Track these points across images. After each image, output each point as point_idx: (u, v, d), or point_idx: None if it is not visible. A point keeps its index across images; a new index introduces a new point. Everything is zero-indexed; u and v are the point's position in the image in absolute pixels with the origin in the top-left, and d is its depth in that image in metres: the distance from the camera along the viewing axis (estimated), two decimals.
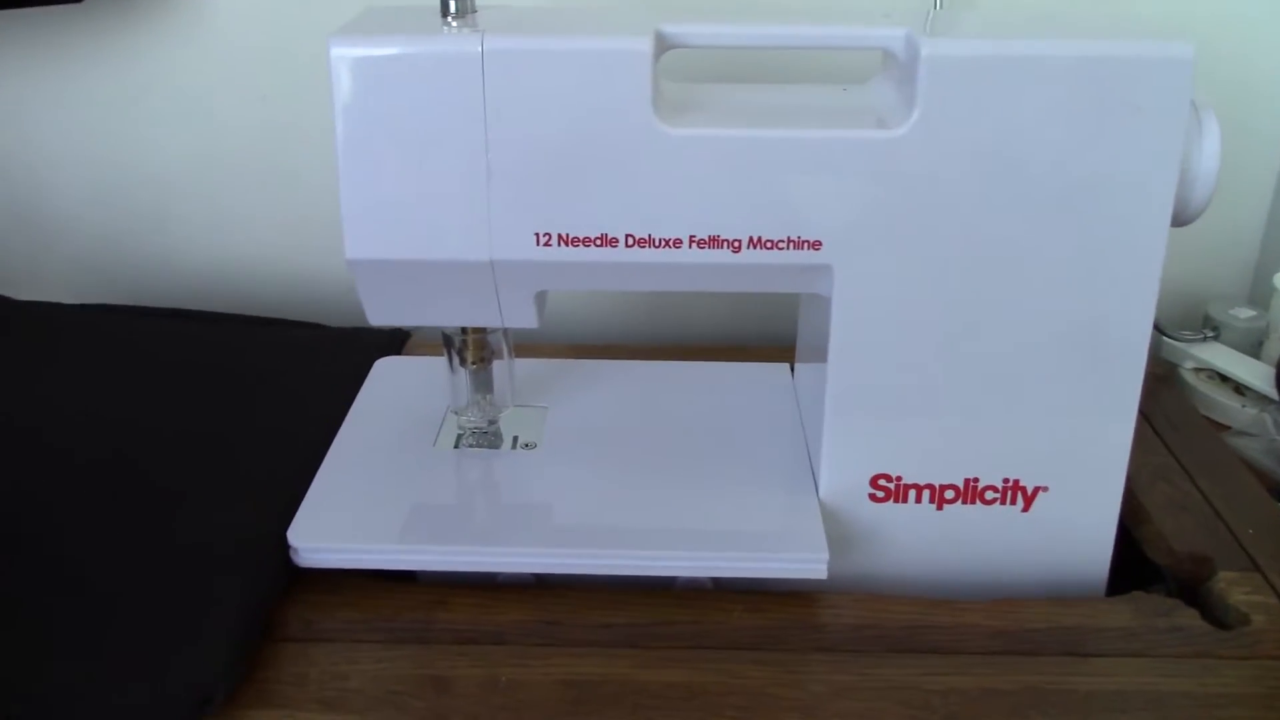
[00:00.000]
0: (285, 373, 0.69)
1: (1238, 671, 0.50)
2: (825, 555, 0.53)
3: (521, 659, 0.50)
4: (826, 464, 0.56)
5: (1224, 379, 0.75)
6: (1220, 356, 0.75)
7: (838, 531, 0.56)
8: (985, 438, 0.55)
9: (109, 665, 0.47)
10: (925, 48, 0.48)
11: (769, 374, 0.70)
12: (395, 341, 0.74)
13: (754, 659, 0.50)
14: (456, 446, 0.61)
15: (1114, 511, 0.57)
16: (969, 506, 0.56)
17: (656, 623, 0.52)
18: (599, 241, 0.51)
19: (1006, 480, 0.56)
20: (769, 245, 0.52)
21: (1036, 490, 0.56)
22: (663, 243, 0.52)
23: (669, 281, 0.55)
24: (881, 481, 0.56)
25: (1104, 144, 0.50)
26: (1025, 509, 0.56)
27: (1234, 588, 0.55)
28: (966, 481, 0.56)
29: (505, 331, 0.60)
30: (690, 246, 0.52)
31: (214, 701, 0.45)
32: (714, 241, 0.52)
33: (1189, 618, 0.53)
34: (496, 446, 0.62)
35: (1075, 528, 0.57)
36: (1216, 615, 0.55)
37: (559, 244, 0.52)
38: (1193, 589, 0.57)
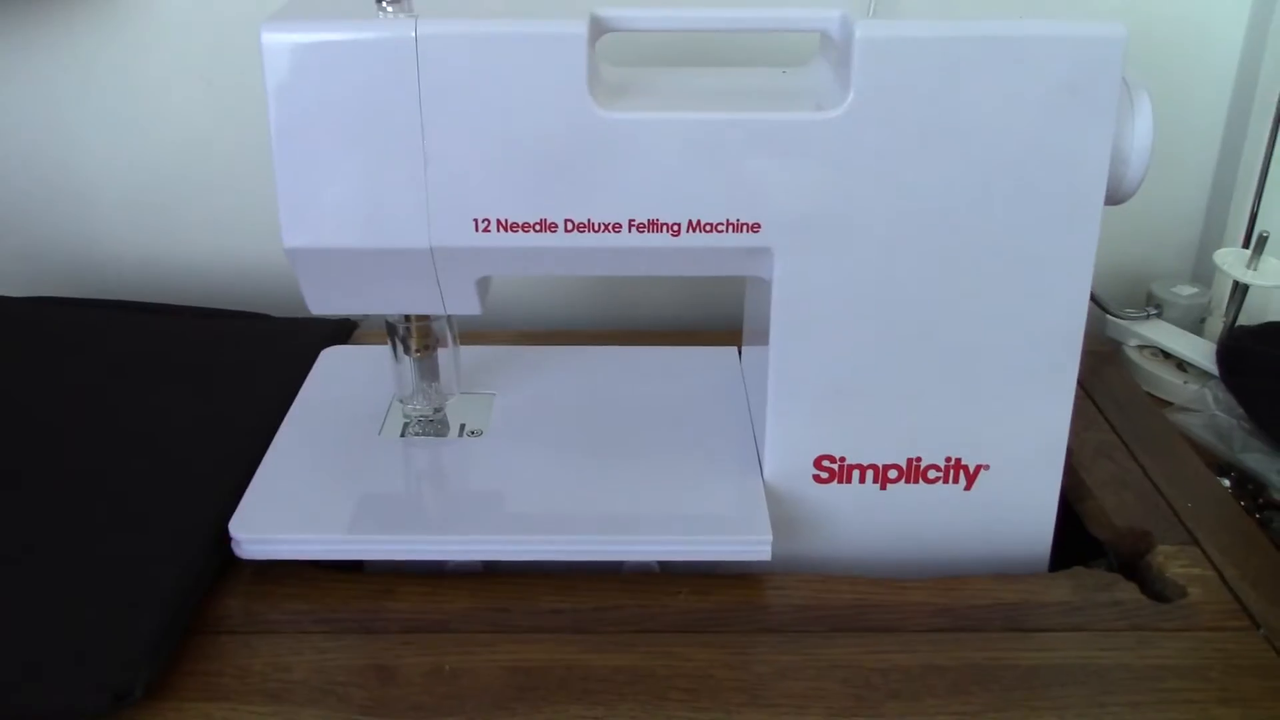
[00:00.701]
0: (230, 363, 0.68)
1: (1175, 643, 0.51)
2: (769, 537, 0.53)
3: (468, 647, 0.50)
4: (770, 446, 0.56)
5: (1167, 356, 0.76)
6: (1163, 333, 0.76)
7: (783, 513, 0.57)
8: (926, 417, 0.56)
9: (29, 656, 0.46)
10: (859, 30, 0.48)
11: (716, 358, 0.70)
12: (342, 331, 0.73)
13: (700, 641, 0.51)
14: (403, 435, 0.61)
15: (1055, 488, 0.57)
16: (912, 486, 0.57)
17: (603, 608, 0.52)
18: (538, 227, 0.51)
19: (949, 459, 0.56)
20: (708, 228, 0.52)
21: (978, 469, 0.57)
22: (602, 227, 0.51)
23: (610, 266, 0.55)
24: (825, 463, 0.56)
25: (1038, 124, 0.50)
26: (968, 487, 0.57)
27: (1172, 561, 0.56)
28: (909, 461, 0.56)
29: (449, 319, 0.60)
30: (630, 230, 0.51)
31: (132, 696, 0.45)
32: (653, 225, 0.51)
33: (1128, 591, 0.54)
34: (443, 434, 0.61)
35: (1017, 505, 0.58)
36: (1155, 588, 0.55)
37: (498, 230, 0.51)
38: (1133, 563, 0.58)
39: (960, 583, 0.55)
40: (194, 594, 0.51)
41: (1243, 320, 0.76)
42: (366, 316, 0.75)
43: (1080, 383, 0.71)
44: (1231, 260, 0.75)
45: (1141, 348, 0.77)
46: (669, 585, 0.54)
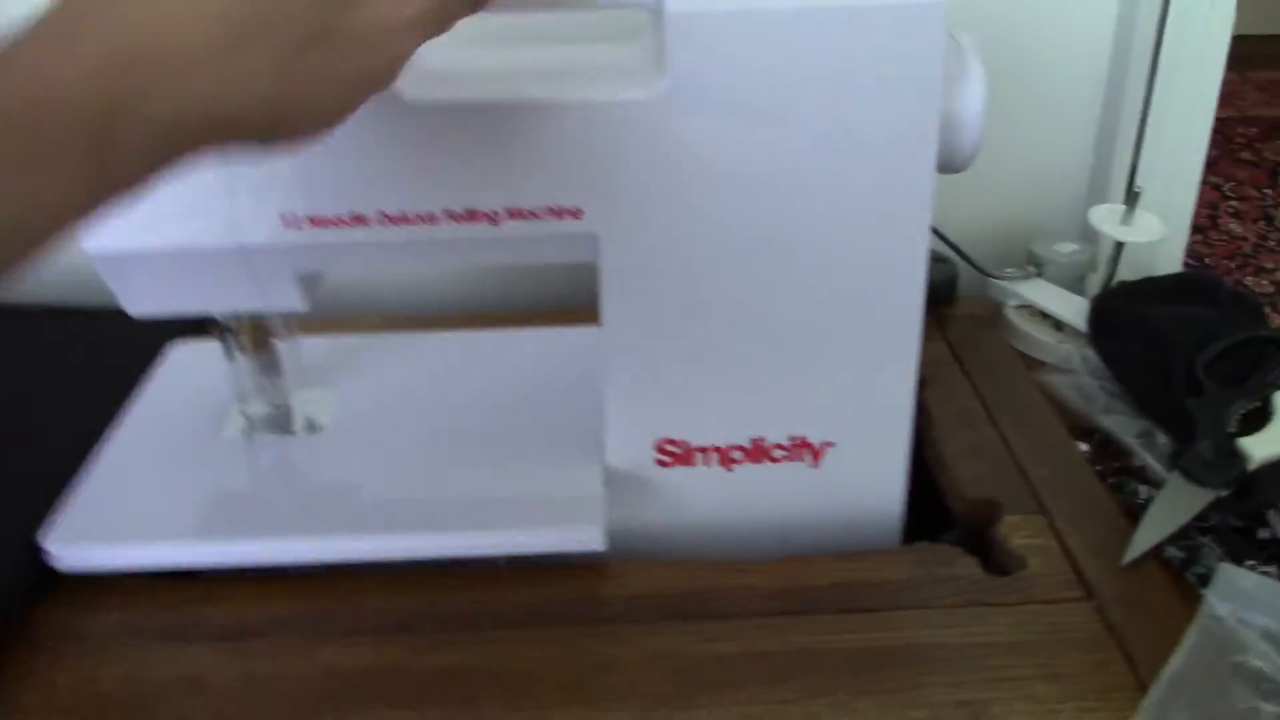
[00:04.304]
0: (71, 363, 0.66)
1: (1007, 618, 0.50)
2: (599, 527, 0.52)
3: (285, 653, 0.49)
4: (611, 431, 0.56)
5: (1046, 317, 0.75)
6: (1041, 293, 0.75)
7: (627, 498, 0.56)
8: (767, 397, 0.55)
9: None
10: (671, 5, 0.47)
11: (579, 338, 0.69)
12: (198, 323, 0.71)
13: (528, 637, 0.50)
14: (244, 434, 0.60)
15: (902, 463, 0.56)
16: (758, 466, 0.56)
17: (433, 605, 0.52)
18: (350, 221, 0.50)
19: (793, 438, 0.56)
20: (529, 215, 0.50)
21: (825, 445, 0.56)
22: (417, 219, 0.50)
23: (432, 258, 0.54)
24: (667, 446, 0.56)
25: (859, 95, 0.49)
26: (815, 465, 0.56)
27: (1016, 532, 0.56)
28: (754, 441, 0.56)
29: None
30: (446, 221, 0.50)
31: None
32: (471, 215, 0.50)
33: (968, 566, 0.54)
34: (284, 432, 0.60)
35: (867, 481, 0.57)
36: (998, 561, 0.55)
37: (308, 226, 0.50)
38: (981, 535, 0.57)
39: (800, 564, 0.54)
40: (7, 609, 0.50)
41: (1126, 277, 0.76)
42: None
43: (952, 347, 0.71)
44: (1106, 217, 0.74)
45: (1020, 308, 0.76)
46: (504, 579, 0.53)
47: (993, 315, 0.76)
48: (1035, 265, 0.78)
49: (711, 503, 0.57)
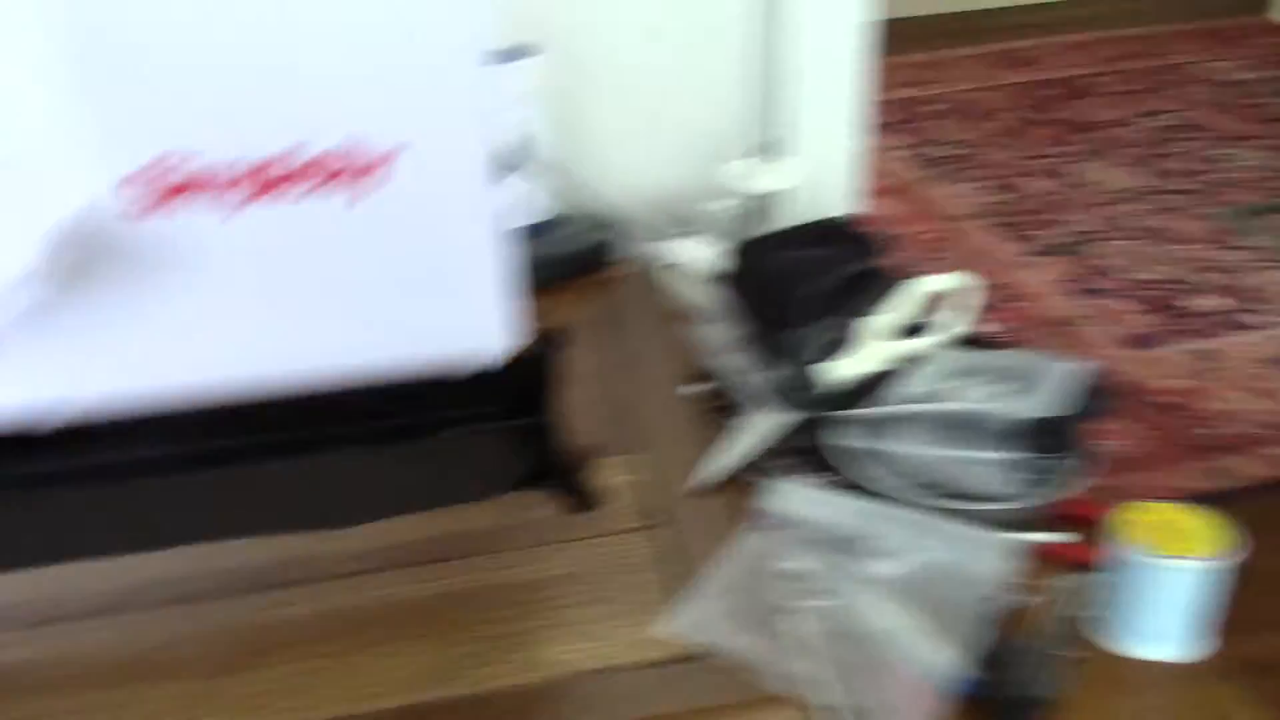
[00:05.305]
0: None
1: (568, 554, 0.53)
2: None
3: None
4: None
5: (698, 272, 0.78)
6: (690, 250, 0.78)
7: None
8: None
9: None
10: None
11: None
12: None
13: (89, 625, 0.51)
14: None
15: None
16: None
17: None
18: None
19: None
20: None
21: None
22: None
23: None
24: None
25: None
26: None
27: (602, 473, 0.58)
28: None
29: None
30: None
31: None
32: None
33: (545, 510, 0.56)
34: None
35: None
36: (586, 501, 0.58)
37: None
38: (578, 479, 0.60)
39: (387, 526, 0.55)
40: None
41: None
42: None
43: (602, 309, 0.74)
44: (739, 171, 0.77)
45: (672, 266, 0.79)
46: None
47: (652, 275, 0.79)
48: (689, 224, 0.81)
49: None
